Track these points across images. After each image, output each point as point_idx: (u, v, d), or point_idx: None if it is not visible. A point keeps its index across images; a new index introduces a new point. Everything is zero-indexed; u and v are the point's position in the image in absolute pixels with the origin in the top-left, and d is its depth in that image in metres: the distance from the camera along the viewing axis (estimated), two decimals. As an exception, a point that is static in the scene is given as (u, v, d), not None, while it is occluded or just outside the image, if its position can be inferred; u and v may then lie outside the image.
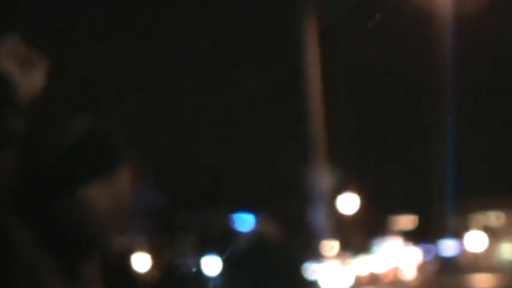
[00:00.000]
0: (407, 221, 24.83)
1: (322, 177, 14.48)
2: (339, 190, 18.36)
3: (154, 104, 13.45)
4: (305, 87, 13.20)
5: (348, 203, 19.92)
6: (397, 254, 23.73)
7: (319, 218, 14.46)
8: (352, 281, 19.16)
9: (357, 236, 21.88)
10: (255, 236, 2.99)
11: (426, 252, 23.83)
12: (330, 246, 16.01)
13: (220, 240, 2.87)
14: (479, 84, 15.88)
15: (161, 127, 13.68)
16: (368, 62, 15.05)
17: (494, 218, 22.72)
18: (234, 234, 2.79)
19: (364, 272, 22.17)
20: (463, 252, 22.38)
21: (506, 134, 18.40)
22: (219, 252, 2.93)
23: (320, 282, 13.32)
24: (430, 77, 14.84)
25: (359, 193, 19.76)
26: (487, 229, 22.34)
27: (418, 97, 16.33)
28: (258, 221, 2.96)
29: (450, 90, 14.62)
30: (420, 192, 19.38)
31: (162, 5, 13.35)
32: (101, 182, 1.26)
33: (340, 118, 14.86)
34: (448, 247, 22.53)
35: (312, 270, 12.49)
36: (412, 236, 24.05)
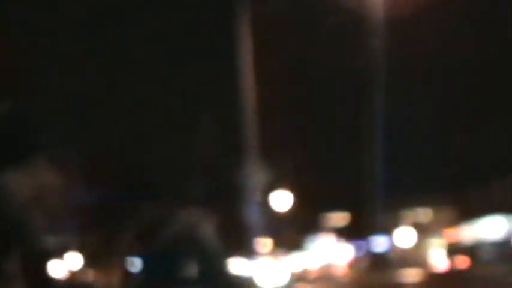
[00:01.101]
0: (339, 218, 25.20)
1: (255, 174, 14.62)
2: (272, 187, 18.56)
3: (90, 97, 13.41)
4: (238, 86, 13.33)
5: (281, 201, 20.15)
6: (329, 251, 24.09)
7: (253, 215, 14.61)
8: (287, 278, 19.38)
9: (290, 233, 22.13)
10: (190, 227, 3.09)
11: (358, 249, 24.24)
12: (264, 244, 16.21)
13: (155, 229, 2.95)
14: (409, 86, 16.26)
15: (98, 121, 13.66)
16: (301, 61, 15.29)
17: (423, 214, 23.27)
18: (168, 224, 2.86)
19: (298, 269, 22.44)
20: (393, 248, 22.86)
21: (434, 134, 18.89)
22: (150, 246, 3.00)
23: (255, 279, 13.49)
24: (361, 77, 15.15)
25: (292, 190, 19.99)
26: (415, 225, 22.88)
27: (350, 97, 16.64)
28: (190, 214, 3.04)
29: (381, 91, 14.93)
30: (352, 190, 19.73)
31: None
32: (17, 166, 1.27)
33: (274, 116, 15.05)
34: (379, 243, 22.98)
35: (245, 267, 12.65)
36: (344, 233, 24.42)
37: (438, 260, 21.46)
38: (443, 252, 21.58)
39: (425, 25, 14.30)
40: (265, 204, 17.39)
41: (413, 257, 21.79)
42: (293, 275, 20.97)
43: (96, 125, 13.69)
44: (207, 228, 3.15)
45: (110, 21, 13.66)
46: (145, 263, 3.10)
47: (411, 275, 18.20)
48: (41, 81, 12.09)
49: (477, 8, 14.19)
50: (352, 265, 23.80)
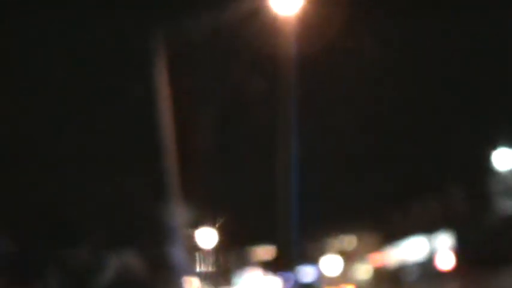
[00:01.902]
0: (266, 251, 25.28)
1: (179, 213, 14.61)
2: (197, 225, 18.54)
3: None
4: (158, 123, 13.33)
5: (206, 238, 20.11)
6: (258, 284, 24.10)
7: (179, 254, 14.55)
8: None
9: (217, 270, 22.08)
10: (119, 269, 3.08)
11: (286, 280, 24.34)
12: (190, 282, 16.14)
13: (85, 276, 2.89)
14: (323, 119, 16.56)
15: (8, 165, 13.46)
16: (216, 97, 15.42)
17: (347, 241, 23.55)
18: (98, 269, 2.81)
19: (227, 305, 22.35)
20: (321, 277, 23.04)
21: (355, 164, 19.21)
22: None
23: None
24: (275, 114, 15.32)
25: (216, 227, 19.99)
26: (341, 252, 23.13)
27: (265, 131, 16.83)
28: (121, 256, 3.00)
29: (295, 127, 15.12)
30: (276, 223, 19.87)
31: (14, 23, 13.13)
32: None
33: (195, 155, 15.10)
34: (306, 273, 23.14)
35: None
36: (271, 266, 24.50)
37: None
38: (370, 276, 21.88)
39: (337, 64, 14.62)
40: (190, 242, 17.34)
41: (341, 283, 22.00)
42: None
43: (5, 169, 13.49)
44: (138, 270, 3.17)
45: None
46: None
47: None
48: None
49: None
50: (282, 297, 23.86)
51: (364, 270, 22.70)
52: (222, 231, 20.33)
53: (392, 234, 21.66)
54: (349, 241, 23.59)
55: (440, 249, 20.41)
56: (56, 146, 13.91)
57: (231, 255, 21.80)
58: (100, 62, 13.57)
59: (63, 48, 13.32)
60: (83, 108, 13.88)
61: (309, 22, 11.28)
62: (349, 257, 23.04)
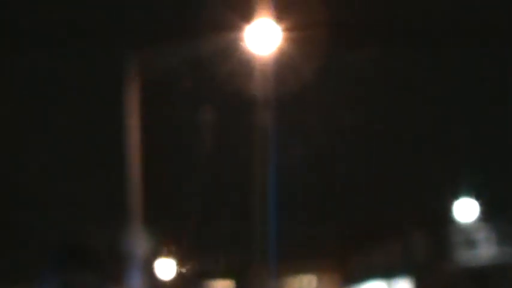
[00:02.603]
0: (224, 285, 25.09)
1: (138, 242, 14.44)
2: (156, 255, 18.37)
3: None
4: (123, 152, 13.24)
5: (165, 269, 19.93)
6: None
7: (137, 284, 14.38)
8: None
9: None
10: None
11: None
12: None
13: None
14: (297, 162, 16.58)
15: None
16: (190, 127, 15.39)
17: (307, 280, 23.46)
18: None
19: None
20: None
21: (316, 203, 19.24)
22: None
23: None
24: (250, 149, 15.32)
25: (175, 258, 19.82)
26: (299, 292, 23.02)
27: (244, 166, 16.80)
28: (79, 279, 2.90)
29: (269, 167, 15.11)
30: (237, 255, 19.77)
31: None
32: None
33: (158, 183, 15.01)
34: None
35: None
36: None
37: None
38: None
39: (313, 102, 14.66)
40: (149, 272, 17.16)
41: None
42: None
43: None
44: None
45: None
46: None
47: None
48: None
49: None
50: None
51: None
52: (181, 263, 20.15)
53: (352, 277, 21.64)
54: (309, 281, 23.51)
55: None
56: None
57: (190, 287, 21.60)
58: (71, 88, 13.53)
59: (33, 73, 13.28)
60: (53, 134, 13.81)
61: (285, 61, 11.31)
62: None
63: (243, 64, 10.69)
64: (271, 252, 17.72)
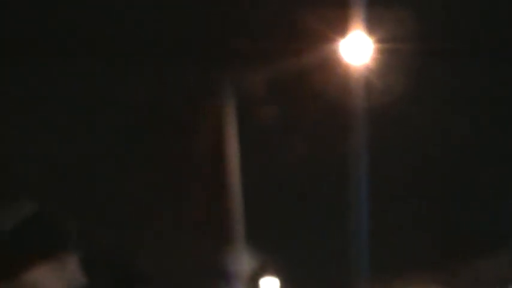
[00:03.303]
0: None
1: (241, 261, 14.54)
2: (259, 274, 18.39)
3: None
4: (222, 165, 13.37)
5: (269, 287, 19.92)
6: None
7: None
8: None
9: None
10: None
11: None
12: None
13: None
14: (394, 173, 16.39)
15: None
16: (283, 147, 15.42)
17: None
18: None
19: None
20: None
21: (428, 207, 18.92)
22: None
23: None
24: (343, 166, 15.25)
25: (279, 276, 19.80)
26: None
27: (334, 179, 16.72)
28: None
29: (364, 180, 15.01)
30: (341, 270, 19.62)
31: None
32: (48, 264, 1.23)
33: (259, 202, 15.07)
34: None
35: None
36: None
37: None
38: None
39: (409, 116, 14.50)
40: (252, 291, 17.23)
41: None
42: None
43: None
44: None
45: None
46: None
47: None
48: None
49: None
50: None
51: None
52: (285, 281, 20.12)
53: (459, 290, 21.12)
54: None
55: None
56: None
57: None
58: (164, 111, 13.72)
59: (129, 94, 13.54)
60: (148, 155, 14.03)
61: (377, 73, 11.27)
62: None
63: (336, 77, 10.70)
64: (364, 267, 17.52)
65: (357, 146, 13.70)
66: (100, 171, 13.73)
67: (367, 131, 13.01)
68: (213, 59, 12.15)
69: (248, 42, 11.58)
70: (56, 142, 12.60)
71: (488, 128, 15.79)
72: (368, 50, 10.71)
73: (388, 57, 11.31)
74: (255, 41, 11.36)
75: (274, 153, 14.70)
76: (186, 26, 11.66)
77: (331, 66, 10.60)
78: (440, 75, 13.88)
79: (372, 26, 11.06)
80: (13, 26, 12.42)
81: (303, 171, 16.42)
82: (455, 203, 18.01)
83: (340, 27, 10.78)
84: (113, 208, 14.06)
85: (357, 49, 10.47)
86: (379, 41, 10.92)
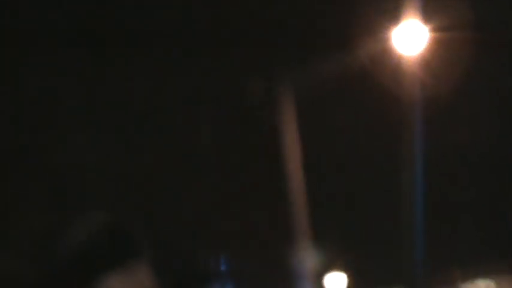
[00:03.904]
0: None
1: (308, 256, 14.62)
2: (326, 269, 18.46)
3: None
4: (285, 164, 13.44)
5: (336, 282, 19.97)
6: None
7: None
8: None
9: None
10: None
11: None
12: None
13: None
14: (449, 166, 16.27)
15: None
16: (348, 144, 15.44)
17: (483, 286, 22.73)
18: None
19: None
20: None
21: (489, 198, 18.71)
22: None
23: None
24: (399, 158, 15.20)
25: (346, 271, 19.82)
26: (477, 297, 22.29)
27: (391, 173, 16.69)
28: None
29: (420, 172, 14.93)
30: (407, 264, 19.51)
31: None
32: (120, 273, 1.31)
33: (323, 195, 15.12)
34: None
35: None
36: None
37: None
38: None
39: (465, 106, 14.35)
40: (319, 286, 17.30)
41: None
42: None
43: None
44: None
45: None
46: None
47: None
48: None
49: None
50: None
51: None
52: (353, 276, 20.12)
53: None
54: (486, 286, 22.79)
55: None
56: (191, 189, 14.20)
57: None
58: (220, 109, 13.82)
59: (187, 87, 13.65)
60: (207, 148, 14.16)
61: (433, 63, 11.22)
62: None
63: (391, 66, 10.72)
64: (422, 258, 17.37)
65: (412, 138, 13.66)
66: (169, 177, 13.97)
67: (422, 121, 12.95)
68: (270, 51, 12.19)
69: (303, 33, 11.62)
70: (124, 152, 12.85)
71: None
72: (423, 39, 10.70)
73: (444, 46, 11.26)
74: (311, 31, 11.40)
75: (333, 147, 14.75)
76: (244, 18, 11.73)
77: (385, 55, 10.59)
78: (498, 65, 13.72)
79: (427, 15, 11.00)
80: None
81: (362, 166, 16.40)
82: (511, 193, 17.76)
83: (395, 16, 10.76)
84: (183, 212, 14.29)
85: (411, 38, 10.45)
86: (435, 29, 10.87)
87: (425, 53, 10.69)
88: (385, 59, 10.65)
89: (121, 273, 1.40)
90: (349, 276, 19.88)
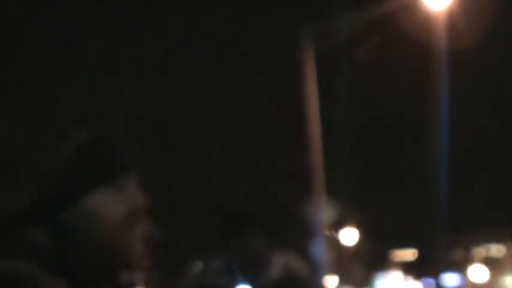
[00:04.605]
0: (407, 255, 24.81)
1: (322, 210, 14.62)
2: (340, 225, 18.49)
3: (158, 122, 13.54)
4: (303, 120, 13.39)
5: (349, 237, 20.03)
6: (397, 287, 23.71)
7: (320, 252, 14.57)
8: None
9: (357, 270, 21.88)
10: (284, 267, 3.00)
11: (427, 286, 23.76)
12: (330, 281, 16.13)
13: (252, 268, 2.78)
14: (474, 119, 16.12)
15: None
16: (365, 96, 15.30)
17: (495, 250, 22.75)
18: (264, 262, 2.73)
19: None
20: (466, 285, 22.30)
21: (504, 167, 18.61)
22: (249, 281, 2.81)
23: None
24: (425, 113, 15.09)
25: (359, 227, 19.86)
26: (488, 261, 22.32)
27: (414, 132, 16.57)
28: (281, 253, 2.89)
29: (445, 126, 14.84)
30: (420, 226, 19.52)
31: (163, 16, 13.44)
32: (108, 189, 1.30)
33: (340, 152, 15.07)
34: (448, 281, 22.45)
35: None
36: (413, 270, 24.00)
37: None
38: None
39: (491, 57, 14.14)
40: (333, 240, 17.34)
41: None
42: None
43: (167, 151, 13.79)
44: (302, 269, 3.07)
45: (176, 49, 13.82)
46: None
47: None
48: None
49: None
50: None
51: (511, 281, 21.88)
52: (365, 231, 20.16)
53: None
54: (498, 250, 22.80)
55: None
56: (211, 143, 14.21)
57: (372, 256, 21.57)
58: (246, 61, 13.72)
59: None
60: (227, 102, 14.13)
61: (460, 17, 11.07)
62: (495, 268, 22.22)
63: (418, 20, 10.57)
64: (455, 221, 17.33)
65: (439, 93, 13.54)
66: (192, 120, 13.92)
67: (449, 75, 12.83)
68: (300, 5, 12.10)
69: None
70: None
71: None
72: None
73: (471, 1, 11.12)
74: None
75: (360, 100, 14.62)
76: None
77: (414, 9, 10.47)
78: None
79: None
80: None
81: (388, 122, 16.27)
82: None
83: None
84: (199, 156, 14.27)
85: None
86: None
87: (451, 7, 10.54)
88: (412, 13, 10.53)
89: (107, 187, 1.35)
90: (362, 232, 19.91)
